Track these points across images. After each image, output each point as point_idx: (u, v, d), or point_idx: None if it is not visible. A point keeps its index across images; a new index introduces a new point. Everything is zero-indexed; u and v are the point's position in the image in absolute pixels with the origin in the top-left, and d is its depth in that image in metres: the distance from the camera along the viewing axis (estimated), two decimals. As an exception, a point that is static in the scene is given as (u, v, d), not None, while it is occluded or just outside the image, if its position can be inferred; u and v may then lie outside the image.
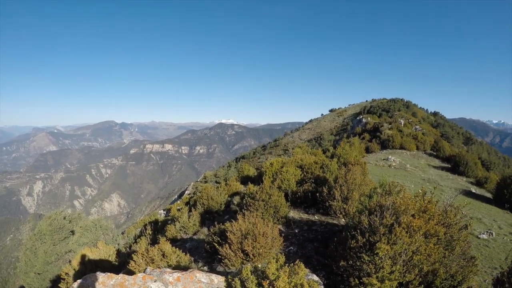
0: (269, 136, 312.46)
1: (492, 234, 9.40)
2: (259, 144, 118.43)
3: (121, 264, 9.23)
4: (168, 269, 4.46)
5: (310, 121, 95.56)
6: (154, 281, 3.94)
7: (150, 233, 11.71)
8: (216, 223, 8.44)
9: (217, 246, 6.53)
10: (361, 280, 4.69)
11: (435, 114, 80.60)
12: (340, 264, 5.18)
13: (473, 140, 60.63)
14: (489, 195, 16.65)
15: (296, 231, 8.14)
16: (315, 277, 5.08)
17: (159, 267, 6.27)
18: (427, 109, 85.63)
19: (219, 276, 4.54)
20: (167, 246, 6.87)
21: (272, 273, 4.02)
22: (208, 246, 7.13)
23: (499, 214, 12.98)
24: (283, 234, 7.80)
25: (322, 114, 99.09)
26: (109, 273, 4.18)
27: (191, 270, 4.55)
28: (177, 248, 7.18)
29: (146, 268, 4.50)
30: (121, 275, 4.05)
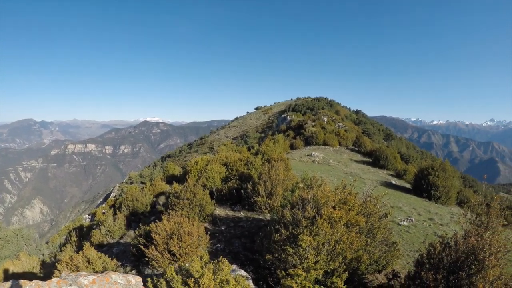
0: (195, 134, 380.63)
1: (412, 221, 13.24)
2: (185, 143, 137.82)
3: (47, 275, 10.99)
4: (84, 273, 5.67)
5: (236, 118, 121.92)
6: (69, 285, 5.11)
7: (76, 240, 14.44)
8: (141, 224, 9.85)
9: (143, 249, 8.20)
10: (287, 272, 6.23)
11: (357, 112, 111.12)
12: (267, 257, 6.78)
13: (392, 136, 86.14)
14: (408, 185, 23.32)
15: (223, 228, 10.64)
16: (243, 272, 6.59)
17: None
18: (349, 108, 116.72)
19: (137, 277, 5.76)
20: (92, 252, 8.43)
21: (197, 271, 5.28)
22: (134, 249, 8.94)
23: (418, 202, 18.31)
24: (209, 232, 9.91)
25: (248, 112, 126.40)
26: (22, 280, 5.30)
27: (106, 272, 5.69)
28: (103, 254, 8.68)
29: (62, 273, 5.69)
30: (35, 281, 5.10)
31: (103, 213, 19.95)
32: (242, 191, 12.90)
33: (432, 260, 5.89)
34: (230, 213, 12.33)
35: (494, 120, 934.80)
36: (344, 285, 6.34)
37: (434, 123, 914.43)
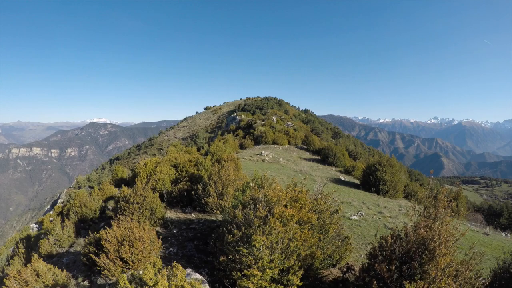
0: (144, 135, 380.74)
1: (362, 215, 13.63)
2: (134, 144, 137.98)
3: (-5, 292, 10.41)
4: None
5: (185, 119, 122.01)
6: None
7: (23, 251, 13.88)
8: (91, 232, 9.56)
9: (94, 257, 7.90)
10: (243, 273, 6.18)
11: (306, 111, 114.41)
12: (221, 259, 6.71)
13: (340, 134, 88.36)
14: (357, 181, 24.12)
15: (175, 231, 10.44)
16: (198, 276, 6.58)
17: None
18: (298, 107, 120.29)
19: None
20: (40, 264, 8.10)
21: (150, 279, 5.16)
22: (85, 258, 8.62)
23: (367, 196, 18.96)
24: (161, 236, 9.70)
25: (197, 112, 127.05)
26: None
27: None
28: (53, 265, 8.34)
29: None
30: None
31: (51, 221, 19.18)
32: (192, 192, 12.83)
33: (384, 252, 6.05)
34: (182, 215, 12.20)
35: (438, 118, 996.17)
36: (300, 281, 6.38)
37: (381, 121, 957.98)
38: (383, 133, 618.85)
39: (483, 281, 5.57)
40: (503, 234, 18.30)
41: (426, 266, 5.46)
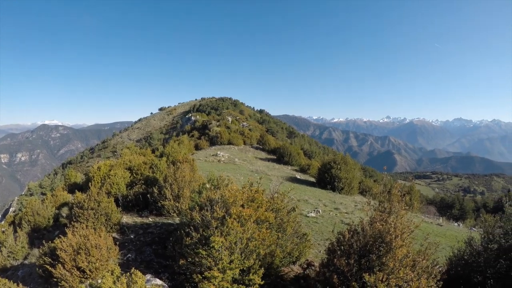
0: (97, 137, 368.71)
1: (319, 212, 13.93)
2: (87, 147, 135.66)
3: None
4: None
5: (140, 120, 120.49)
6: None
7: None
8: (45, 241, 9.23)
9: (50, 268, 7.60)
10: (203, 275, 6.17)
11: (261, 111, 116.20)
12: (180, 263, 6.65)
13: (295, 134, 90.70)
14: (312, 179, 24.60)
15: (132, 236, 10.22)
16: (158, 281, 6.59)
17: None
18: (253, 107, 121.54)
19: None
20: None
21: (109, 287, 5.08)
22: (41, 270, 8.24)
23: (323, 194, 19.38)
24: (118, 242, 9.50)
25: (151, 113, 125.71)
26: None
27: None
28: (7, 280, 7.71)
29: None
30: None
31: (3, 231, 18.19)
32: (148, 195, 12.66)
33: (342, 247, 6.22)
34: (138, 219, 12.01)
35: (390, 117, 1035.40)
36: (261, 280, 6.46)
37: (335, 120, 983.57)
38: (337, 132, 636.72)
39: (440, 269, 5.83)
40: (455, 224, 19.23)
41: (384, 258, 5.65)
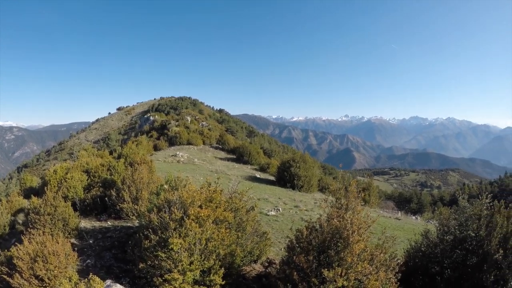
0: (54, 139, 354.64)
1: (279, 210, 14.17)
2: (43, 149, 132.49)
3: None
4: None
5: (97, 120, 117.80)
6: None
7: None
8: (1, 250, 8.86)
9: (8, 278, 7.28)
10: (164, 278, 6.18)
11: (220, 111, 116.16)
12: (140, 266, 6.63)
13: (255, 133, 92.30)
14: (272, 178, 24.92)
15: (91, 241, 10.02)
16: (118, 286, 6.51)
17: None
18: (213, 107, 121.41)
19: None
20: None
21: None
22: None
23: (283, 192, 19.67)
24: (77, 248, 9.25)
25: (109, 113, 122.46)
26: None
27: None
28: None
29: None
30: None
31: None
32: (106, 198, 12.44)
33: (301, 244, 6.37)
34: (97, 224, 11.77)
35: (349, 115, 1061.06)
36: (223, 280, 6.55)
37: (294, 119, 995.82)
38: (296, 131, 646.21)
39: (398, 261, 6.10)
40: (413, 217, 19.95)
41: (342, 254, 5.79)
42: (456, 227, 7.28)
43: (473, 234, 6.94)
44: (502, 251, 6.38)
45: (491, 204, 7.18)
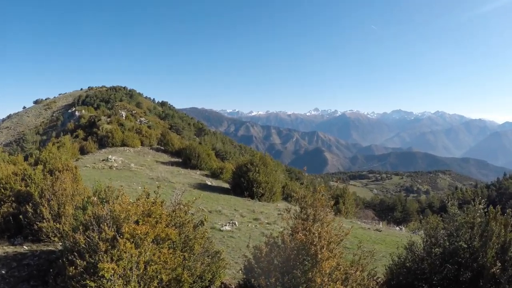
0: None
1: (235, 224, 14.32)
2: None
3: None
4: None
5: (9, 117, 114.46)
6: None
7: None
8: None
9: None
10: None
11: (163, 104, 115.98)
12: None
13: (206, 131, 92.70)
14: (226, 185, 25.25)
15: (4, 271, 9.56)
16: None
17: None
18: (154, 99, 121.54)
19: None
20: None
21: None
22: None
23: (240, 202, 19.88)
24: None
25: (24, 108, 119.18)
26: None
27: None
28: None
29: None
30: None
31: None
32: (21, 216, 11.79)
33: (261, 264, 6.39)
34: (10, 249, 11.22)
35: (319, 109, 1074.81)
36: None
37: (253, 114, 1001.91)
38: (256, 127, 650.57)
39: (378, 280, 6.18)
40: (397, 228, 20.53)
41: (310, 273, 5.76)
42: (446, 238, 7.50)
43: (466, 246, 7.14)
44: (499, 264, 6.58)
45: (485, 210, 7.37)
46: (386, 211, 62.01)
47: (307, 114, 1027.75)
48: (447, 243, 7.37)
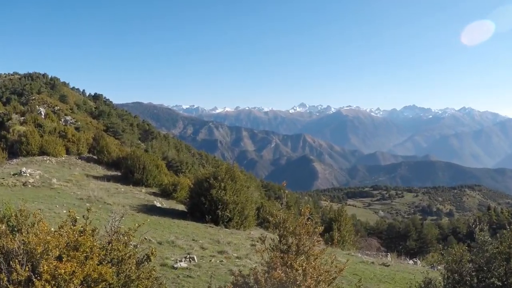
0: None
1: (194, 259, 14.19)
2: None
3: None
4: None
5: None
6: None
7: None
8: None
9: None
10: None
11: (96, 98, 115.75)
12: None
13: (154, 134, 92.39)
14: (182, 207, 25.19)
15: None
16: None
17: None
18: (83, 91, 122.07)
19: None
20: None
21: None
22: None
23: (200, 230, 19.82)
24: None
25: None
26: None
27: None
28: None
29: None
30: None
31: None
32: None
33: (227, 313, 6.24)
34: None
35: (306, 105, 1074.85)
36: None
37: (218, 111, 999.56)
38: (222, 129, 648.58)
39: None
40: (410, 262, 20.60)
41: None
42: (473, 273, 7.54)
43: (500, 283, 7.23)
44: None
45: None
46: (396, 240, 62.37)
47: (290, 112, 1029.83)
48: (475, 280, 7.43)
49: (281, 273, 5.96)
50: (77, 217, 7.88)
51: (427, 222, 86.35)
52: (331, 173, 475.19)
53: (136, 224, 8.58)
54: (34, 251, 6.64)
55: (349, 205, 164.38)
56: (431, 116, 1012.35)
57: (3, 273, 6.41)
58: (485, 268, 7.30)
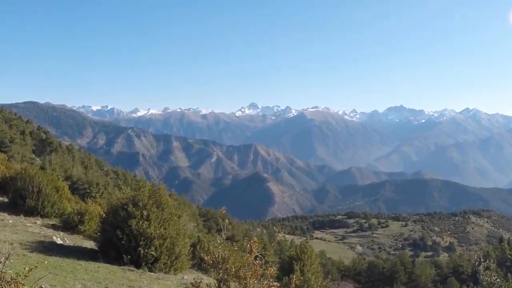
0: None
1: None
2: None
3: None
4: None
5: None
6: None
7: None
8: None
9: None
10: None
11: None
12: None
13: (54, 145, 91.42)
14: (91, 244, 25.08)
15: None
16: None
17: None
18: None
19: None
20: None
21: None
22: None
23: (115, 275, 19.61)
24: None
25: None
26: None
27: None
28: None
29: None
30: None
31: None
32: None
33: None
34: None
35: (258, 105, 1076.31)
36: None
37: (140, 113, 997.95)
38: (145, 138, 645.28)
39: None
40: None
41: None
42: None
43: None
44: None
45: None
46: (380, 283, 63.18)
47: (236, 114, 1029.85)
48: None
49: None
50: None
51: (420, 260, 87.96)
52: (292, 196, 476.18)
53: (27, 268, 8.41)
54: None
55: (316, 238, 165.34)
56: (424, 120, 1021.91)
57: None
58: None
